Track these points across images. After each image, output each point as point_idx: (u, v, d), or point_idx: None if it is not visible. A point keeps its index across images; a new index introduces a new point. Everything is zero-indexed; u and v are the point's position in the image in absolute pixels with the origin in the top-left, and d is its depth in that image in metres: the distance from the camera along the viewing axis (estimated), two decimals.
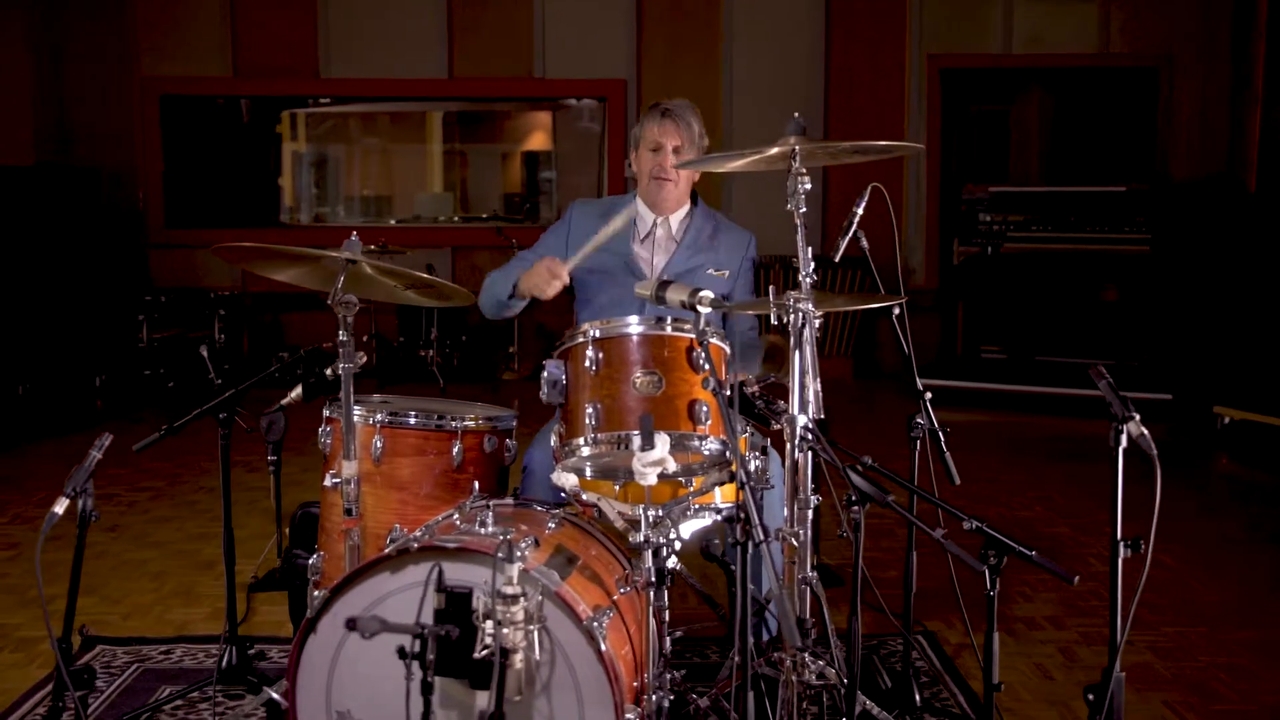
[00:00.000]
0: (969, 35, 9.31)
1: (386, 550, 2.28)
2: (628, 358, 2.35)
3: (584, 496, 2.52)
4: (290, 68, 9.19)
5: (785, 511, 2.46)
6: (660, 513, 2.38)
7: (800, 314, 2.41)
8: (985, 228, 8.26)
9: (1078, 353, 8.02)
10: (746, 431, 2.72)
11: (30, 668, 3.38)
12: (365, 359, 2.78)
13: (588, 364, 2.37)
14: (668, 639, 2.55)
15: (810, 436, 2.43)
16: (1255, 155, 8.49)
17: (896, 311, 2.81)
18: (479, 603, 2.04)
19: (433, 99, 9.87)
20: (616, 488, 2.55)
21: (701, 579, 3.58)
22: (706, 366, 2.19)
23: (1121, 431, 2.07)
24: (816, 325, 2.48)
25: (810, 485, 2.51)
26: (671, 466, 2.21)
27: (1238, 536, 4.84)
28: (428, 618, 2.03)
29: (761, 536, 2.03)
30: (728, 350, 2.53)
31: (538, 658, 2.15)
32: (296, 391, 2.97)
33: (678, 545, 2.58)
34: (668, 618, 2.55)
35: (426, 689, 1.90)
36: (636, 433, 2.26)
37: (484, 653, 2.03)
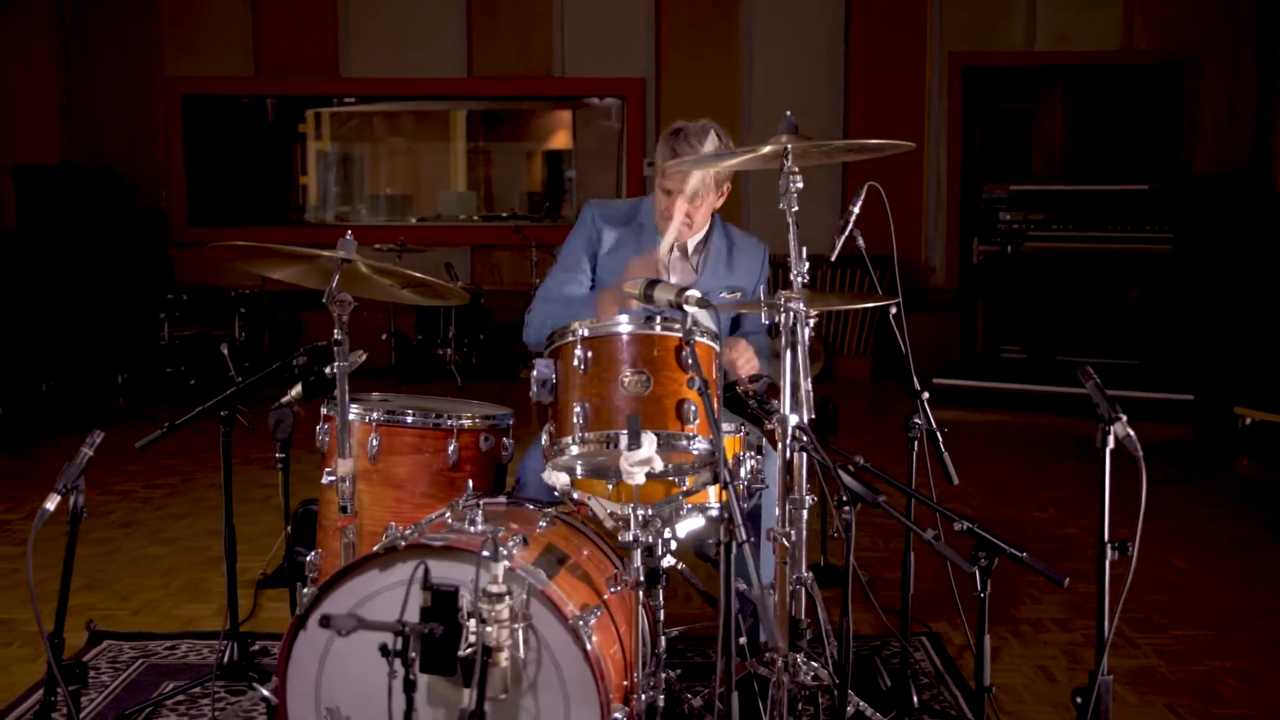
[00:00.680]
0: (991, 33, 9.26)
1: (375, 548, 2.29)
2: (616, 357, 2.35)
3: (574, 495, 2.52)
4: (310, 67, 9.26)
5: (777, 511, 2.45)
6: (650, 512, 2.38)
7: (791, 313, 2.42)
8: (1005, 226, 8.21)
9: (1099, 353, 7.96)
10: (743, 431, 2.72)
11: (38, 662, 3.40)
12: (364, 357, 2.79)
13: (576, 363, 2.37)
14: (663, 638, 2.55)
15: (803, 437, 2.43)
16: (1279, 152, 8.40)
17: (894, 311, 2.79)
18: (465, 601, 2.05)
19: (451, 98, 9.92)
20: (610, 487, 2.55)
21: (706, 579, 3.58)
22: (690, 362, 2.18)
23: (1108, 432, 2.05)
24: (811, 325, 2.49)
25: (805, 485, 2.52)
26: (658, 466, 2.21)
27: (1254, 539, 4.79)
28: (413, 615, 2.04)
29: (744, 536, 2.02)
30: (717, 350, 2.52)
31: (523, 656, 2.16)
32: (296, 390, 2.99)
33: (674, 545, 2.58)
34: (663, 617, 2.54)
35: (408, 686, 1.91)
36: (624, 432, 2.26)
37: (468, 651, 2.04)
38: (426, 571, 2.06)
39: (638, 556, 2.31)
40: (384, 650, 1.88)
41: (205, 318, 8.06)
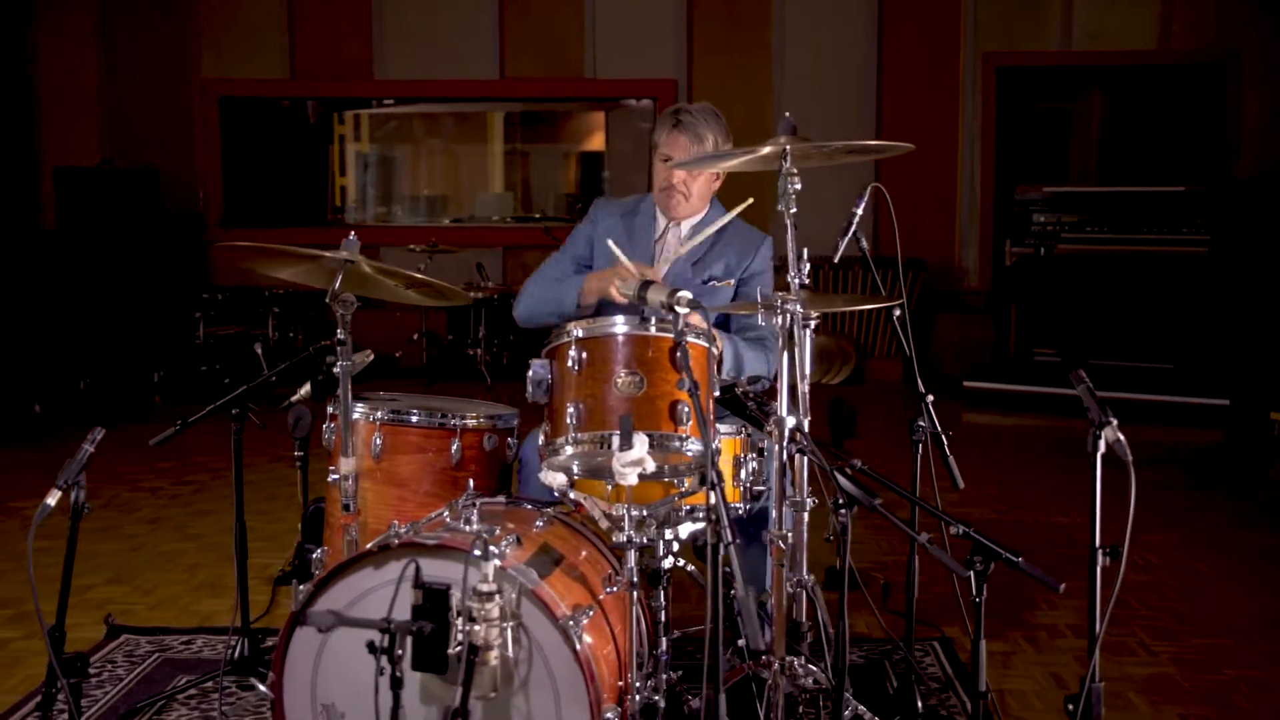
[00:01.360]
0: (1026, 32, 9.17)
1: (368, 546, 2.31)
2: (610, 358, 2.36)
3: (571, 495, 2.53)
4: (345, 69, 9.36)
5: (774, 513, 2.45)
6: (644, 513, 2.38)
7: (789, 315, 2.41)
8: (1039, 228, 8.12)
9: (1132, 356, 7.85)
10: (743, 432, 2.71)
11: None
12: (370, 357, 2.82)
13: (571, 363, 2.38)
14: (664, 639, 2.55)
15: (800, 439, 2.42)
16: None
17: (897, 314, 2.78)
18: (456, 599, 2.07)
19: (484, 99, 9.97)
20: (609, 488, 2.55)
21: None
22: (682, 366, 2.18)
23: (1099, 436, 2.03)
24: (813, 326, 2.48)
25: (806, 488, 2.51)
26: (650, 466, 2.21)
27: None
28: (403, 613, 2.06)
29: (730, 538, 2.02)
30: (715, 352, 2.52)
31: (513, 655, 2.17)
32: (305, 388, 3.03)
33: (675, 546, 2.58)
34: (664, 618, 2.55)
35: (395, 684, 1.93)
36: (616, 433, 2.27)
37: (458, 649, 2.05)
38: (418, 570, 2.08)
39: (632, 557, 2.32)
40: (371, 647, 1.90)
41: (240, 316, 8.16)
